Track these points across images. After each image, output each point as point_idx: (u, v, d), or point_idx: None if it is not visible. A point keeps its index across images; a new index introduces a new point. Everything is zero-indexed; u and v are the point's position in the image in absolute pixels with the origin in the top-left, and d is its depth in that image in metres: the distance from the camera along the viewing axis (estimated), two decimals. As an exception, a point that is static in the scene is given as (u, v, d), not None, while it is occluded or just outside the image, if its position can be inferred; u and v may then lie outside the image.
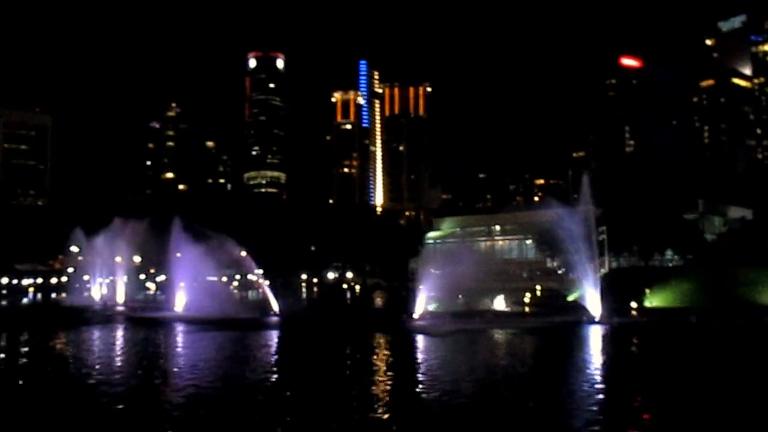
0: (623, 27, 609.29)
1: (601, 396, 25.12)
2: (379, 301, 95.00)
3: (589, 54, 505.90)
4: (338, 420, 21.21)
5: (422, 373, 30.15)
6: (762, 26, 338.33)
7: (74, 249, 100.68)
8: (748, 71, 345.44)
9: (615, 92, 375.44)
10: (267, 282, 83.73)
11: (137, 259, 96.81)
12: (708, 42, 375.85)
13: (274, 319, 58.31)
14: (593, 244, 53.31)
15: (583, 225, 52.95)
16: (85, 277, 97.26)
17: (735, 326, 46.57)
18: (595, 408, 22.87)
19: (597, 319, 50.48)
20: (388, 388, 27.18)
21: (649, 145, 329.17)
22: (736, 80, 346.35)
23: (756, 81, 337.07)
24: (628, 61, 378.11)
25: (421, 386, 26.84)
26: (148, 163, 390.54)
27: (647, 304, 62.21)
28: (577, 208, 54.71)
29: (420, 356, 37.04)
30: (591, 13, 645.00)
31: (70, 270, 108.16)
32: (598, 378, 29.43)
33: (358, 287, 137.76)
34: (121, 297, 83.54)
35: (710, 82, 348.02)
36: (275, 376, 31.06)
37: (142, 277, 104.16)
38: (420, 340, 42.60)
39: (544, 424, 21.14)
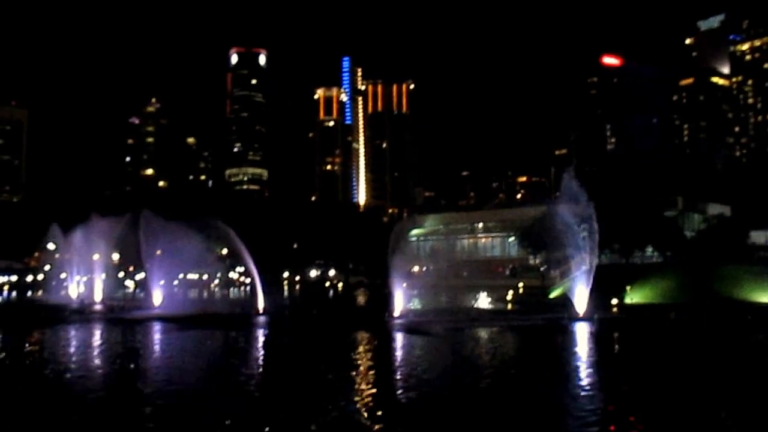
0: (605, 26, 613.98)
1: (585, 393, 24.91)
2: (361, 299, 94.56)
3: (572, 53, 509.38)
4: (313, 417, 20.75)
5: (395, 372, 29.82)
6: (740, 26, 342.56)
7: (51, 246, 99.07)
8: (726, 70, 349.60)
9: (597, 90, 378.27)
10: (249, 279, 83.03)
11: (116, 256, 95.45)
12: (687, 41, 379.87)
13: (261, 318, 57.53)
14: (587, 239, 53.11)
15: (573, 221, 52.70)
16: (62, 275, 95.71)
17: (714, 322, 46.75)
18: (581, 405, 22.66)
19: (580, 316, 50.41)
20: (359, 386, 26.76)
21: (630, 142, 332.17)
22: (714, 79, 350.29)
23: (734, 80, 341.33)
24: (609, 60, 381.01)
25: (390, 384, 26.51)
26: (128, 159, 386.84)
27: (628, 300, 62.46)
28: (571, 205, 54.36)
29: (397, 355, 36.64)
30: (573, 12, 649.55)
31: (47, 267, 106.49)
32: (582, 374, 29.25)
33: (340, 285, 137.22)
34: (98, 295, 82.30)
35: (690, 80, 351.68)
36: (255, 375, 30.51)
37: (121, 275, 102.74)
38: (399, 339, 42.23)
39: (525, 423, 20.84)
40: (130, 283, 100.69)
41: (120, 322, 55.70)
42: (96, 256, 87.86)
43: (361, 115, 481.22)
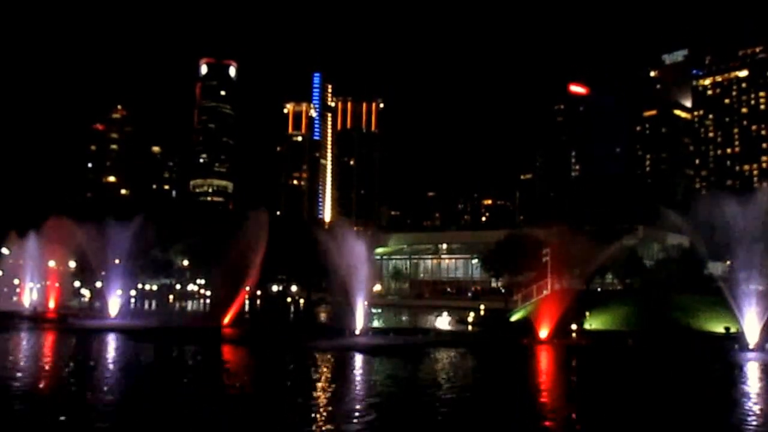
0: (572, 55, 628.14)
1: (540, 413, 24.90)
2: (323, 316, 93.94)
3: (540, 80, 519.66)
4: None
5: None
6: (703, 61, 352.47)
7: (4, 251, 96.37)
8: (688, 103, 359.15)
9: (563, 117, 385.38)
10: (209, 292, 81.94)
11: (72, 264, 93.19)
12: (652, 73, 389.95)
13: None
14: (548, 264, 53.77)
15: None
16: (15, 281, 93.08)
17: (668, 351, 47.43)
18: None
19: (541, 340, 50.78)
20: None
21: (594, 170, 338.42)
22: (677, 112, 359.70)
23: (696, 113, 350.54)
24: (576, 88, 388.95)
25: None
26: (90, 165, 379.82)
27: (587, 326, 62.97)
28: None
29: (349, 375, 36.17)
30: (542, 40, 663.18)
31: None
32: (538, 397, 29.27)
33: (302, 301, 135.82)
34: (52, 303, 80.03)
35: (653, 112, 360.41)
36: (206, 391, 29.82)
37: (77, 283, 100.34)
38: (357, 358, 41.82)
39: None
40: (86, 292, 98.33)
41: (72, 331, 54.17)
42: (51, 263, 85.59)
43: (329, 131, 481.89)
